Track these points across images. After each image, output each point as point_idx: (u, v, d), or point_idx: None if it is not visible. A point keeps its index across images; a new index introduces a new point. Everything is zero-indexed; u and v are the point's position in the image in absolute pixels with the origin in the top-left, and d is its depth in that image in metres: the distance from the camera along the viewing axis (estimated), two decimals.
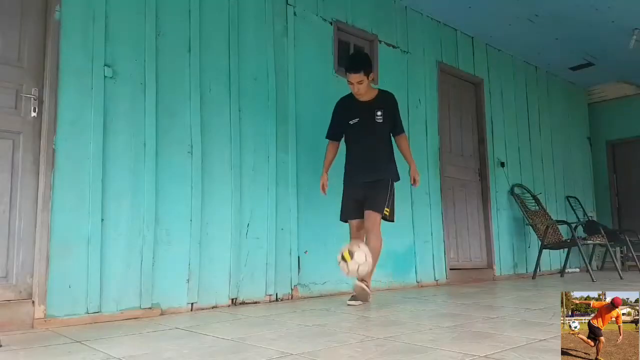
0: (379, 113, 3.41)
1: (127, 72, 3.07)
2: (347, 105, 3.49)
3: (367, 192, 3.37)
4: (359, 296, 3.21)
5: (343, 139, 3.56)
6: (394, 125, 3.52)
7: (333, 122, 3.57)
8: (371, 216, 3.31)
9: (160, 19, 3.27)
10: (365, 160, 3.41)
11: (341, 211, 3.52)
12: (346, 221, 3.50)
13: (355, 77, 3.31)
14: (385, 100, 3.50)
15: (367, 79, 3.34)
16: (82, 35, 2.92)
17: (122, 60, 3.06)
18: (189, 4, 3.42)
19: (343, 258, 2.99)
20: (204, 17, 3.49)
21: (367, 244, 3.21)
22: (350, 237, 3.40)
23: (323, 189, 3.50)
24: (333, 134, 3.58)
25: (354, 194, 3.42)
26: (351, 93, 3.47)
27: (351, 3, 4.52)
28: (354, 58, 3.54)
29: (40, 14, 2.86)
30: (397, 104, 3.57)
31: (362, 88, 3.36)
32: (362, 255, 2.98)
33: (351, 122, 3.43)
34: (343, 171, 3.56)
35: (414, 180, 3.57)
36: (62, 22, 2.86)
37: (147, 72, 3.15)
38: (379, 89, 3.56)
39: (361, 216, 3.38)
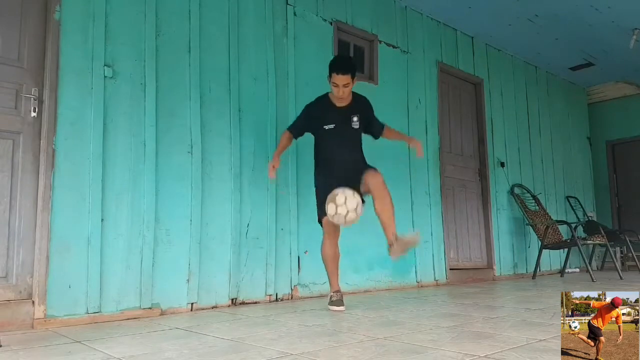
0: (355, 119, 3.28)
1: (127, 72, 3.07)
2: (323, 108, 3.31)
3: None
4: (407, 244, 2.99)
5: (315, 141, 3.36)
6: (372, 127, 3.39)
7: (301, 119, 3.39)
8: (375, 176, 3.09)
9: (160, 19, 3.27)
10: (343, 169, 3.19)
11: (318, 208, 3.21)
12: (321, 220, 3.21)
13: (343, 79, 3.14)
14: (360, 104, 3.35)
15: (353, 83, 3.20)
16: (82, 35, 2.92)
17: (122, 60, 3.06)
18: (189, 4, 3.42)
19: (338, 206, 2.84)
20: (204, 17, 3.49)
21: (382, 204, 3.04)
22: (324, 239, 3.19)
23: (272, 171, 3.18)
24: (296, 131, 3.38)
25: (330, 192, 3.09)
26: (326, 94, 3.33)
27: (351, 3, 4.52)
28: (343, 59, 3.35)
29: (40, 14, 2.86)
30: (371, 107, 3.41)
31: (346, 92, 3.21)
32: (353, 202, 2.84)
33: (326, 127, 3.25)
34: (314, 175, 3.35)
35: (419, 150, 3.34)
36: (62, 22, 2.86)
37: (147, 72, 3.16)
38: (352, 92, 3.34)
39: None
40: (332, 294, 3.16)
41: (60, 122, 2.78)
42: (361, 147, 3.38)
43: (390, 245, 3.02)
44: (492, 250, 5.58)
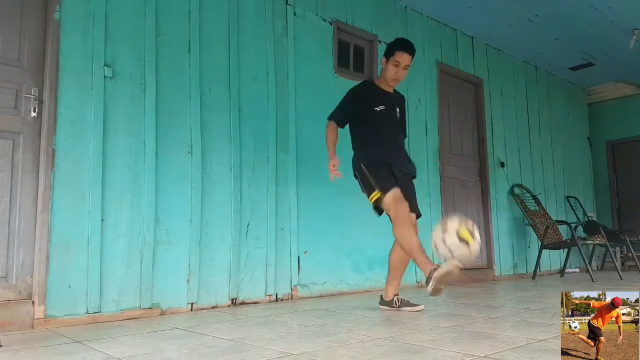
0: (398, 109, 3.15)
1: (127, 72, 3.07)
2: (372, 90, 3.11)
3: (404, 184, 2.94)
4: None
5: (356, 126, 3.09)
6: (403, 127, 3.24)
7: (347, 104, 3.09)
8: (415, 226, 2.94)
9: (160, 19, 3.27)
10: (396, 150, 3.04)
11: (381, 183, 2.83)
12: (386, 193, 2.80)
13: (407, 59, 3.00)
14: (400, 98, 3.24)
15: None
16: (82, 35, 2.92)
17: (122, 60, 3.06)
18: (189, 4, 3.42)
19: (463, 240, 2.45)
20: (204, 17, 3.49)
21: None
22: (401, 215, 2.76)
23: (334, 170, 2.87)
24: (341, 117, 3.07)
25: (390, 168, 2.93)
26: (371, 80, 3.24)
27: (351, 3, 4.52)
28: (410, 41, 3.09)
29: (40, 14, 2.86)
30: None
31: (404, 75, 3.06)
32: (477, 232, 2.53)
33: (377, 109, 3.02)
34: (360, 157, 3.02)
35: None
36: (62, 22, 2.86)
37: (147, 72, 3.16)
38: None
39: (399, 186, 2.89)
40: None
41: (60, 122, 2.78)
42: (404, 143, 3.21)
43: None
44: (492, 251, 5.57)
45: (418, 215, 3.01)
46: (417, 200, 3.04)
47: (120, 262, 2.91)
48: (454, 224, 2.52)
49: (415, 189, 3.09)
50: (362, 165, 2.94)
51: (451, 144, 5.44)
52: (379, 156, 2.96)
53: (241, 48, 3.68)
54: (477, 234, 2.51)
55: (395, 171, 2.95)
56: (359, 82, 3.29)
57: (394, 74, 3.05)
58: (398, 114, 3.16)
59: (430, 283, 2.56)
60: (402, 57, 3.00)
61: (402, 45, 3.03)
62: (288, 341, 2.08)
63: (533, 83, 6.69)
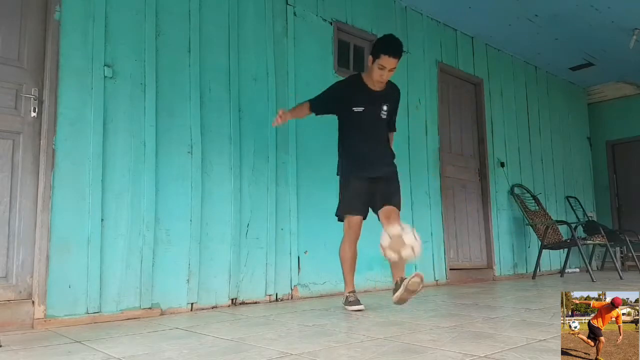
0: (384, 108, 3.10)
1: (127, 72, 3.07)
2: (356, 88, 3.06)
3: (379, 186, 3.06)
4: (414, 290, 2.81)
5: (340, 123, 3.17)
6: (390, 121, 3.24)
7: (327, 95, 3.13)
8: (394, 212, 2.99)
9: (160, 19, 3.27)
10: (371, 155, 3.06)
11: (343, 204, 3.10)
12: (344, 216, 3.10)
13: (392, 63, 2.90)
14: (393, 94, 3.19)
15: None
16: (82, 35, 2.93)
17: (122, 60, 3.06)
18: (189, 4, 3.42)
19: (407, 243, 2.62)
20: (204, 17, 3.49)
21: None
22: (347, 235, 3.08)
23: (279, 118, 2.94)
24: (317, 106, 3.13)
25: (360, 188, 3.05)
26: (359, 75, 3.15)
27: (351, 3, 4.52)
28: (396, 40, 2.94)
29: (40, 14, 2.86)
30: (399, 100, 3.31)
31: (389, 77, 3.00)
32: (411, 236, 2.61)
33: (355, 110, 3.02)
34: (339, 162, 3.19)
35: None
36: (62, 22, 2.86)
37: (147, 72, 3.16)
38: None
39: (365, 213, 3.11)
40: (347, 294, 3.07)
41: (60, 122, 2.78)
42: (388, 142, 3.24)
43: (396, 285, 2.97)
44: (492, 250, 5.58)
45: (398, 208, 3.07)
46: (400, 195, 3.13)
47: (120, 262, 2.91)
48: (396, 229, 2.66)
49: (400, 185, 3.20)
50: (340, 177, 3.17)
51: (451, 144, 5.44)
52: (352, 169, 3.07)
53: (241, 48, 3.68)
54: (417, 236, 2.67)
55: (365, 182, 3.05)
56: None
57: (379, 77, 2.99)
58: (384, 113, 3.11)
59: (344, 305, 3.06)
60: (388, 62, 2.90)
61: (387, 48, 2.89)
62: (288, 341, 2.08)
63: (533, 83, 6.69)
